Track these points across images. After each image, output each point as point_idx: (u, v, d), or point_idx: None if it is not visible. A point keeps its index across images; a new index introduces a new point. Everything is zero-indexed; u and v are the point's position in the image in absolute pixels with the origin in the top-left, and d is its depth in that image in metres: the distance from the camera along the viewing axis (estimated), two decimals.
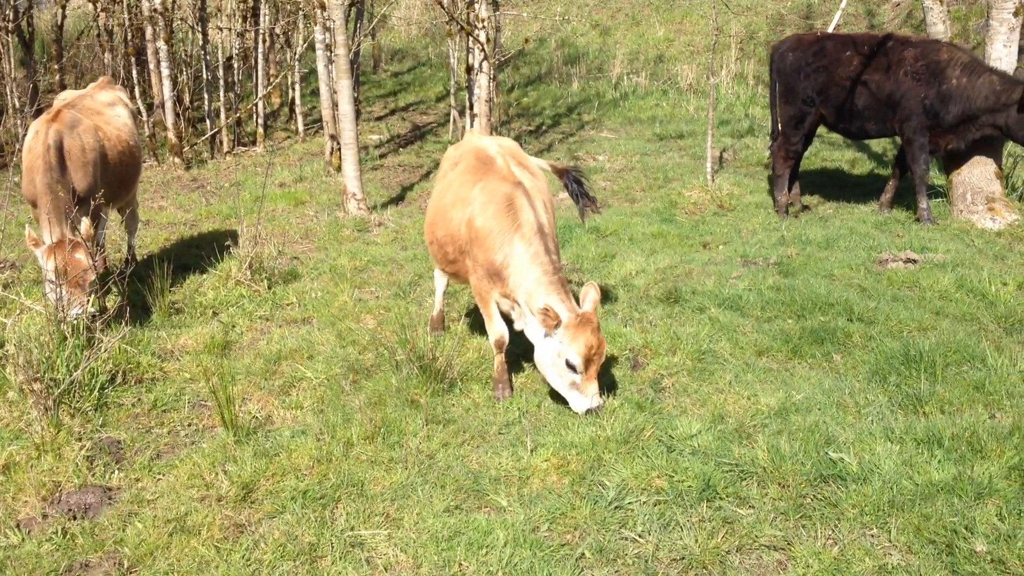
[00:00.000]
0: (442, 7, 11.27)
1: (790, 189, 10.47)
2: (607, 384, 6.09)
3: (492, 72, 11.40)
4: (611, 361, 6.52)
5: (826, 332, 6.76)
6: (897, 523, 4.49)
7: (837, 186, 11.29)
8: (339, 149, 12.46)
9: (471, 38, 11.25)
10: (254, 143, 14.53)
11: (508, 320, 6.19)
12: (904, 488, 4.74)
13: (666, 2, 23.33)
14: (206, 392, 6.20)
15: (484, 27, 11.21)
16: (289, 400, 6.12)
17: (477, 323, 7.33)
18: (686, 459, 5.11)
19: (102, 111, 8.06)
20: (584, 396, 5.66)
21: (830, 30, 13.16)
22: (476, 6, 11.21)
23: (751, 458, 5.08)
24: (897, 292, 7.56)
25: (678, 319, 7.25)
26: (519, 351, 6.48)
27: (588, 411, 5.64)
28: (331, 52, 12.32)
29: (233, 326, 7.40)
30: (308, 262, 9.15)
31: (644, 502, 4.80)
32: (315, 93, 17.29)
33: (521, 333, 6.07)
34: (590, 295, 5.77)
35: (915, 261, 8.25)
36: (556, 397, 5.92)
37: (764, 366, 6.44)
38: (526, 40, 12.84)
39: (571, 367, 5.64)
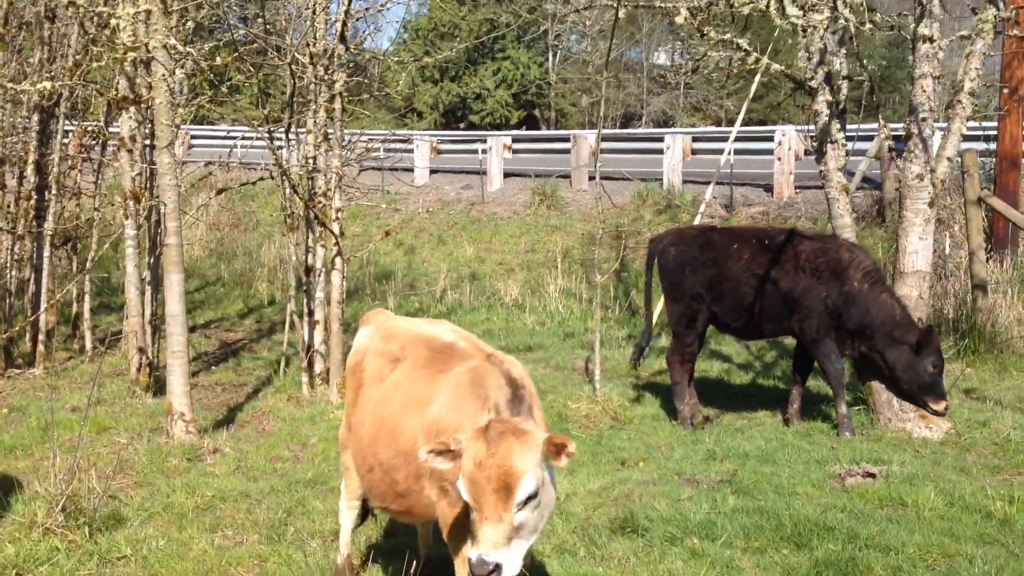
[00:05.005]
0: (297, 195, 9.78)
1: (689, 398, 9.36)
2: None
3: (344, 270, 9.89)
4: None
5: (846, 564, 5.46)
6: None
7: (725, 396, 10.31)
8: (148, 364, 10.50)
9: (320, 231, 9.79)
10: (31, 364, 12.17)
11: None
12: None
13: (472, 223, 22.83)
14: None
15: (339, 218, 9.78)
16: None
17: (390, 568, 5.55)
18: None
19: None
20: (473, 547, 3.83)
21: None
22: (327, 197, 9.79)
23: None
24: (889, 513, 6.40)
25: (652, 554, 5.75)
26: None
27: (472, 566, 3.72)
28: (140, 249, 10.54)
29: None
30: (132, 501, 7.06)
31: None
32: (95, 311, 15.12)
33: None
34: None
35: (874, 475, 7.18)
36: None
37: None
38: (386, 232, 11.49)
39: (466, 502, 3.91)
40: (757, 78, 11.50)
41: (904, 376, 8.36)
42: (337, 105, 9.83)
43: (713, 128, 27.98)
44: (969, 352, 10.79)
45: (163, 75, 8.55)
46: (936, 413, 8.30)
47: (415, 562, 5.14)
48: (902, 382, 8.40)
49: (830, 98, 8.71)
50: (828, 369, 8.80)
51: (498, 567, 3.69)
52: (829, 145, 8.76)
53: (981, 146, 14.35)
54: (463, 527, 4.28)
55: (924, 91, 8.21)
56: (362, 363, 5.26)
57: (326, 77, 9.80)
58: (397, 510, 4.84)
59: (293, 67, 9.69)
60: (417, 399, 4.64)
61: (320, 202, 9.82)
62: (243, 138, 16.11)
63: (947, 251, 12.57)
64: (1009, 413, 8.66)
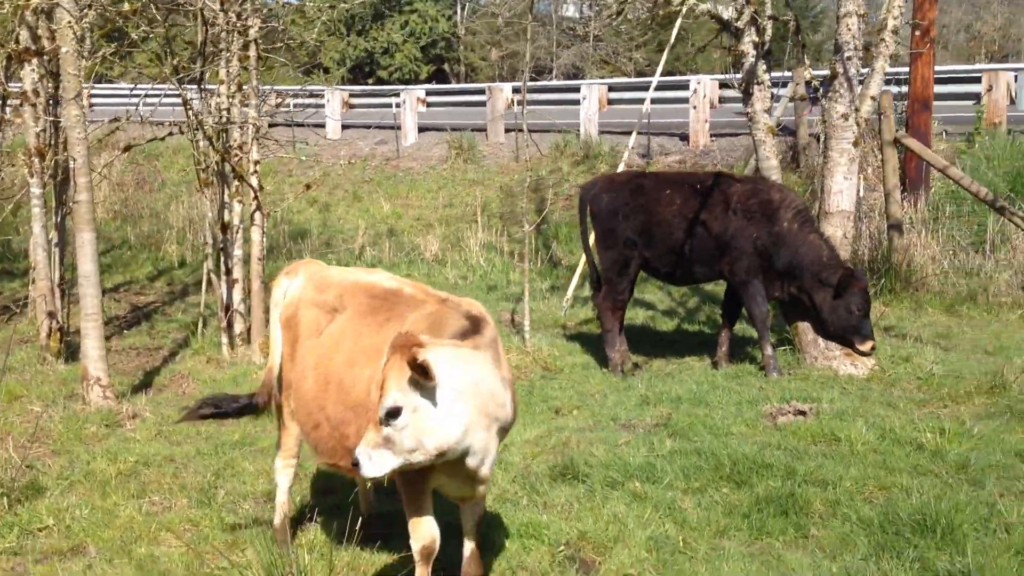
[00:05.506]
0: (213, 148, 9.36)
1: (620, 345, 9.33)
2: None
3: (264, 225, 9.58)
4: (549, 567, 4.84)
5: (786, 500, 5.49)
6: None
7: (651, 343, 10.31)
8: (59, 330, 10.07)
9: (236, 186, 9.45)
10: None
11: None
12: None
13: (387, 178, 22.49)
14: None
15: (256, 172, 9.46)
16: None
17: (333, 525, 5.40)
18: None
19: None
20: None
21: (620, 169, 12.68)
22: (243, 150, 9.45)
23: None
24: (823, 448, 6.46)
25: (595, 499, 5.71)
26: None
27: None
28: (46, 209, 10.08)
29: None
30: (50, 470, 6.77)
31: None
32: None
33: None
34: None
35: (804, 413, 7.26)
36: None
37: (737, 551, 5.03)
38: (307, 186, 11.19)
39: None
40: (678, 22, 11.42)
41: (831, 317, 8.43)
42: (252, 53, 9.47)
43: (629, 79, 27.95)
44: (886, 291, 10.98)
45: (69, 22, 8.11)
46: (863, 354, 8.40)
47: (359, 519, 4.99)
48: (829, 324, 8.48)
49: (756, 39, 8.67)
50: (753, 311, 8.85)
51: (357, 463, 3.95)
52: (755, 87, 8.74)
53: (894, 89, 14.53)
54: (420, 479, 4.19)
55: (849, 29, 8.22)
56: (296, 315, 5.06)
57: (239, 24, 9.43)
58: (347, 466, 4.67)
59: (204, 12, 9.28)
60: (366, 349, 4.48)
61: (236, 155, 9.48)
62: (147, 95, 15.52)
63: (861, 193, 12.72)
64: (930, 348, 8.84)
